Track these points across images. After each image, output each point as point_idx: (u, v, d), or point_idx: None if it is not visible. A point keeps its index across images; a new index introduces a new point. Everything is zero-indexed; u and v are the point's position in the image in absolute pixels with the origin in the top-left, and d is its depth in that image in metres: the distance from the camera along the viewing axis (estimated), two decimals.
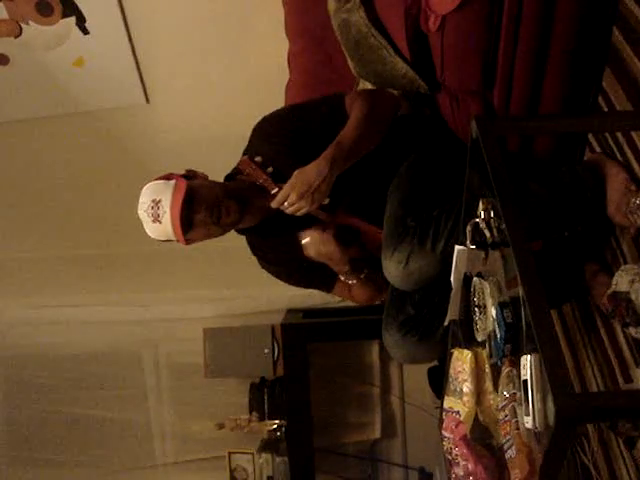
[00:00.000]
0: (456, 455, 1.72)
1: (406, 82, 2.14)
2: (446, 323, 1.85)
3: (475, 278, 1.59)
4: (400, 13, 2.01)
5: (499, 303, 1.45)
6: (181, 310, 3.39)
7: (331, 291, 2.32)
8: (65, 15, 2.70)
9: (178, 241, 1.98)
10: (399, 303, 2.10)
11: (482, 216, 1.52)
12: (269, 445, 3.25)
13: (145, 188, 2.00)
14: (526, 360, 1.27)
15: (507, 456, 1.43)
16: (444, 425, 1.78)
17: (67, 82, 2.89)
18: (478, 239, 1.53)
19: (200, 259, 2.99)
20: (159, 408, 3.53)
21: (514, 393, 1.37)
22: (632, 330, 1.72)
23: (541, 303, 1.23)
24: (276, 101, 2.50)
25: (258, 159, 2.08)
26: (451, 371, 1.76)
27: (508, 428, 1.40)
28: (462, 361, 1.70)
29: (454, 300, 1.75)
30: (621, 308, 1.70)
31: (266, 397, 3.21)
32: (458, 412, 1.72)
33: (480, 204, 1.54)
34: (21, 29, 2.75)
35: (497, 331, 1.44)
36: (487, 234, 1.50)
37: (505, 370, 1.43)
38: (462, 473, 1.71)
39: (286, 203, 1.93)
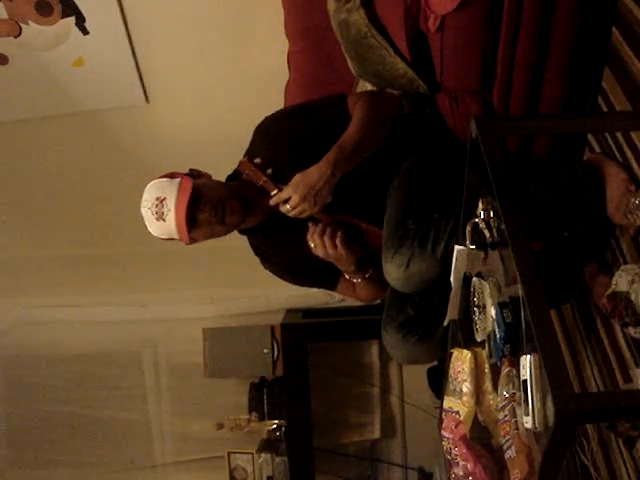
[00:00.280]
0: (455, 455, 1.72)
1: (406, 82, 2.14)
2: (446, 323, 1.85)
3: (475, 278, 1.59)
4: (400, 13, 2.01)
5: (499, 303, 1.45)
6: (181, 310, 3.38)
7: (335, 289, 2.32)
8: (65, 15, 2.70)
9: (181, 240, 1.98)
10: (399, 304, 2.10)
11: (482, 216, 1.52)
12: (269, 445, 3.25)
13: (149, 186, 1.99)
14: (526, 360, 1.27)
15: (506, 456, 1.43)
16: (444, 425, 1.78)
17: (67, 82, 2.88)
18: (478, 239, 1.53)
19: (200, 259, 2.98)
20: (159, 408, 3.52)
21: (513, 393, 1.37)
22: (631, 330, 1.72)
23: (541, 303, 1.23)
24: (276, 101, 2.51)
25: (257, 160, 2.08)
26: (451, 371, 1.76)
27: (507, 428, 1.40)
28: (462, 361, 1.71)
29: (453, 300, 1.76)
30: (621, 308, 1.70)
31: (266, 397, 3.20)
32: (458, 412, 1.72)
33: (480, 204, 1.53)
34: (21, 29, 2.75)
35: (497, 331, 1.44)
36: (487, 234, 1.50)
37: (505, 370, 1.43)
38: (462, 473, 1.71)
39: (288, 206, 1.93)
